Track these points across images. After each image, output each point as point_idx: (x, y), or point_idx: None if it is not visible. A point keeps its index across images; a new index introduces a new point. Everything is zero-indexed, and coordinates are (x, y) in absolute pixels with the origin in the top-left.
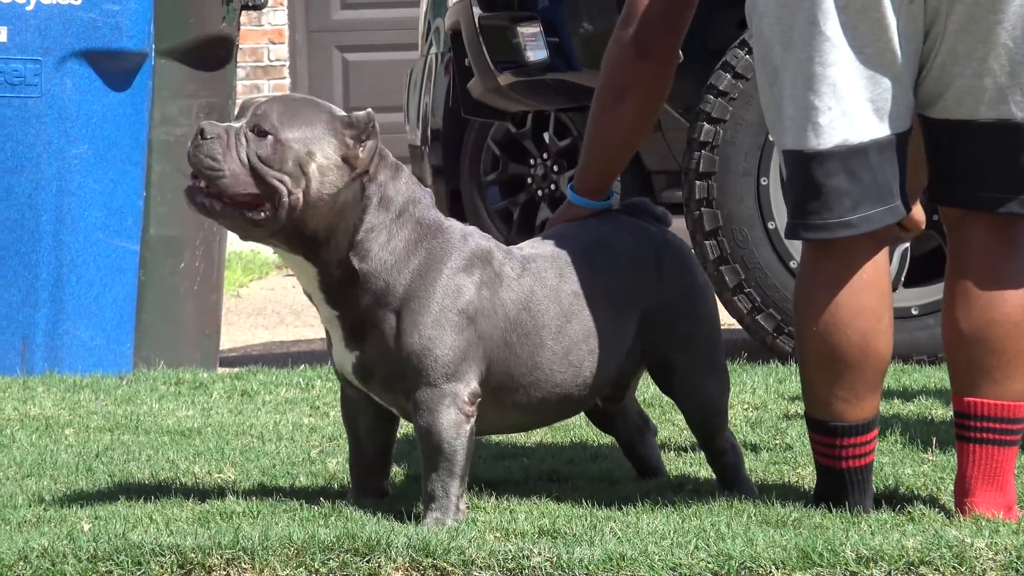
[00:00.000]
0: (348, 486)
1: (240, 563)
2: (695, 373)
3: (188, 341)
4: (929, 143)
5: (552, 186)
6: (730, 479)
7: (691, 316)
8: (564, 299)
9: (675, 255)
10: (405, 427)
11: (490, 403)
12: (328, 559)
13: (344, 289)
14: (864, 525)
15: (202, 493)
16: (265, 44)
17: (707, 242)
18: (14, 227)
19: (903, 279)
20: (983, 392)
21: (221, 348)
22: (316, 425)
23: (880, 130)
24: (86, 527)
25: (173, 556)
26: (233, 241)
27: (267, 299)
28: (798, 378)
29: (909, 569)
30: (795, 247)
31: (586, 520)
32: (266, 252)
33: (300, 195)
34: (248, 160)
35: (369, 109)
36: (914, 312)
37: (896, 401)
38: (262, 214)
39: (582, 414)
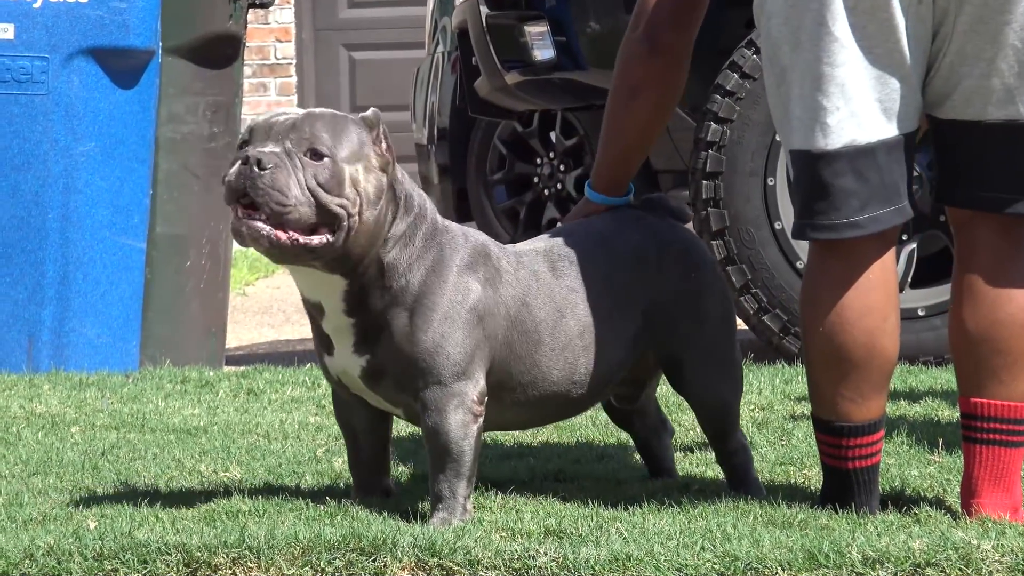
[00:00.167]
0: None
1: (246, 562)
2: (704, 372)
3: (194, 339)
4: (937, 143)
5: (559, 185)
6: (739, 479)
7: (697, 314)
8: (558, 294)
9: (681, 252)
10: (406, 427)
11: (488, 401)
12: (334, 558)
13: (366, 295)
14: (870, 526)
15: (208, 492)
16: (272, 42)
17: (714, 242)
18: (20, 225)
19: (909, 280)
20: (990, 393)
21: (227, 346)
22: (322, 424)
23: (888, 130)
24: (92, 525)
25: (179, 555)
26: None
27: (273, 297)
28: (804, 379)
29: (915, 571)
30: (802, 247)
31: (592, 520)
32: None
33: (358, 216)
34: (309, 187)
35: (373, 108)
36: (920, 313)
37: (902, 402)
38: (321, 240)
39: (594, 412)
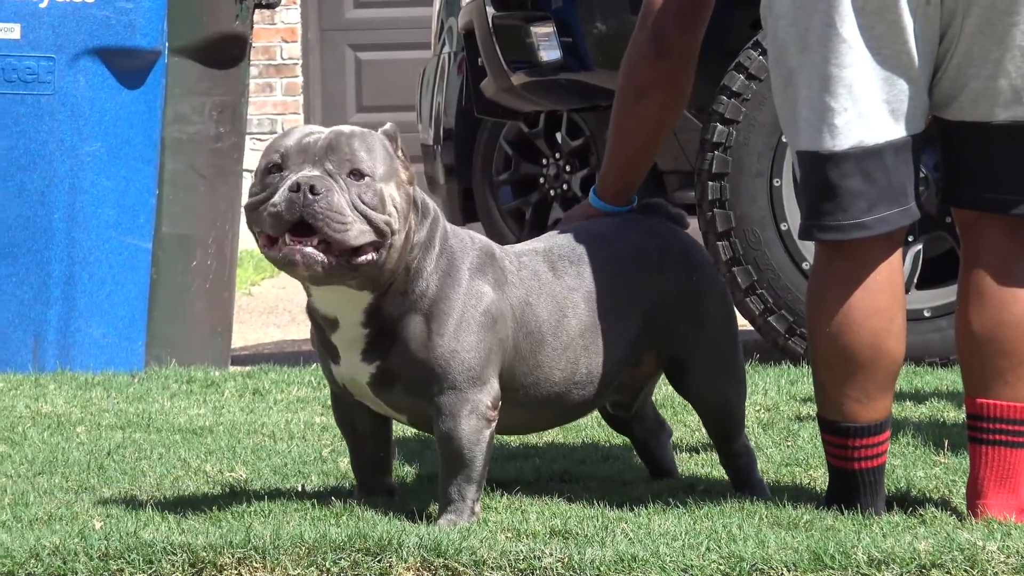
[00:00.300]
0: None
1: (251, 562)
2: (708, 375)
3: (200, 339)
4: (943, 145)
5: (564, 186)
6: (743, 481)
7: (698, 316)
8: (559, 294)
9: (681, 255)
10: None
11: None
12: (339, 558)
13: (386, 305)
14: (876, 527)
15: (213, 492)
16: (278, 42)
17: (719, 243)
18: (26, 224)
19: (915, 281)
20: (996, 394)
21: (233, 346)
22: (328, 424)
23: (895, 131)
24: (97, 525)
25: (184, 555)
26: (245, 239)
27: (279, 297)
28: (810, 379)
29: (921, 572)
30: (807, 248)
31: (598, 521)
32: None
33: (400, 233)
34: (357, 207)
35: (391, 123)
36: (926, 314)
37: (908, 403)
38: (367, 259)
39: (600, 413)
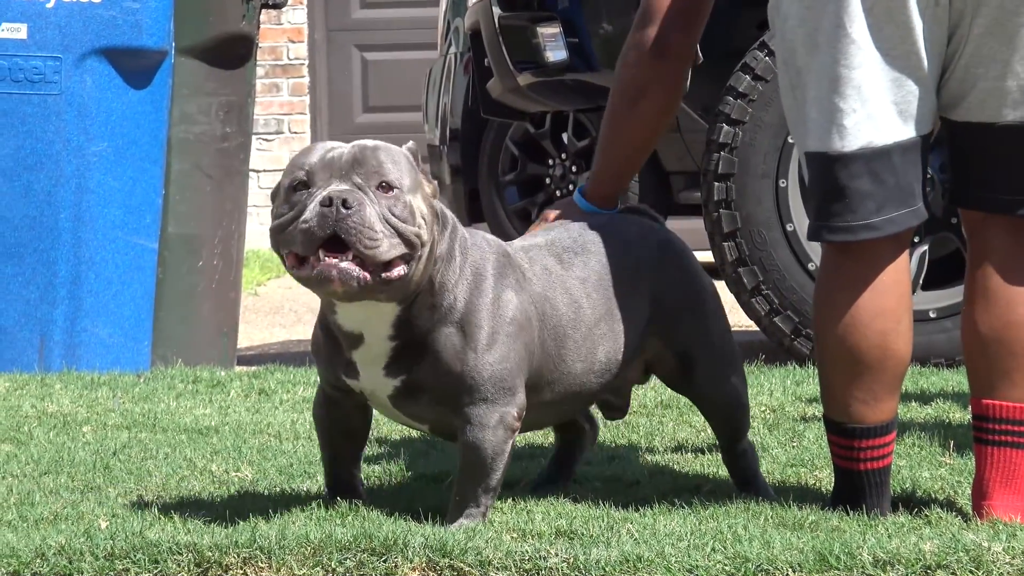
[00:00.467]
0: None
1: (257, 562)
2: (714, 371)
3: (206, 339)
4: (950, 145)
5: (571, 186)
6: (746, 480)
7: (701, 310)
8: (572, 286)
9: (678, 251)
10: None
11: None
12: (345, 558)
13: (414, 318)
14: (881, 528)
15: (219, 492)
16: (284, 43)
17: (725, 244)
18: (33, 224)
19: (921, 282)
20: (1002, 394)
21: (239, 346)
22: None
23: (904, 132)
24: (103, 525)
25: (190, 554)
26: (251, 239)
27: (285, 297)
28: (816, 380)
29: (926, 572)
30: (813, 249)
31: (603, 521)
32: None
33: (428, 245)
34: (388, 220)
35: (412, 140)
36: (932, 315)
37: (914, 404)
38: (399, 272)
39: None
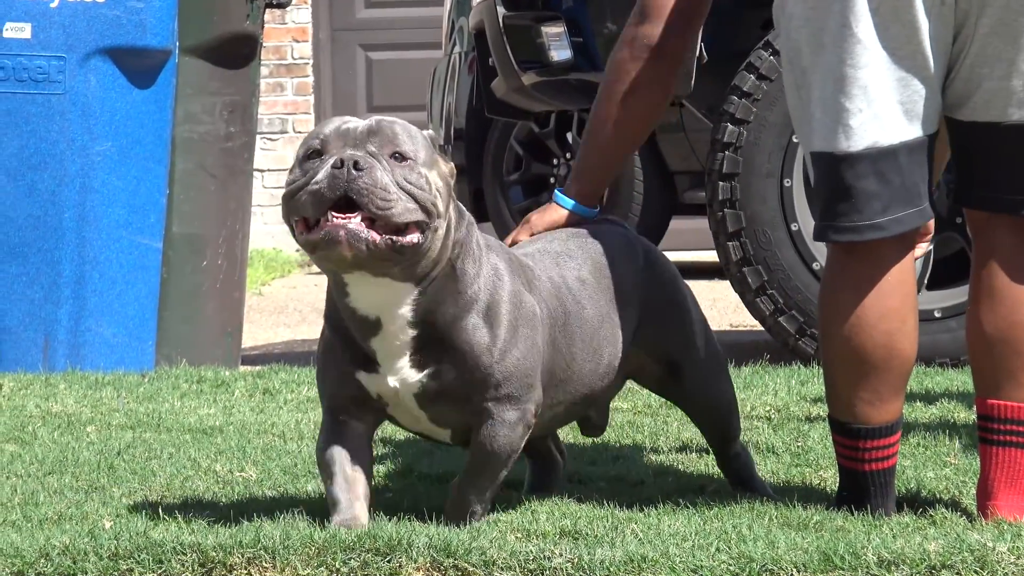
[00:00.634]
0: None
1: (261, 562)
2: (704, 377)
3: (210, 339)
4: (955, 146)
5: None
6: (743, 482)
7: (685, 318)
8: (573, 286)
9: (660, 261)
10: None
11: None
12: (349, 559)
13: (437, 303)
14: (886, 528)
15: (223, 492)
16: (289, 42)
17: (730, 243)
18: (37, 224)
19: (926, 281)
20: (1007, 394)
21: (243, 346)
22: None
23: (910, 132)
24: (107, 525)
25: (194, 555)
26: (255, 239)
27: (289, 297)
28: (820, 380)
29: (931, 573)
30: (818, 248)
31: (607, 521)
32: (288, 250)
33: (444, 218)
34: (401, 185)
35: (430, 130)
36: (937, 315)
37: (918, 404)
38: (412, 240)
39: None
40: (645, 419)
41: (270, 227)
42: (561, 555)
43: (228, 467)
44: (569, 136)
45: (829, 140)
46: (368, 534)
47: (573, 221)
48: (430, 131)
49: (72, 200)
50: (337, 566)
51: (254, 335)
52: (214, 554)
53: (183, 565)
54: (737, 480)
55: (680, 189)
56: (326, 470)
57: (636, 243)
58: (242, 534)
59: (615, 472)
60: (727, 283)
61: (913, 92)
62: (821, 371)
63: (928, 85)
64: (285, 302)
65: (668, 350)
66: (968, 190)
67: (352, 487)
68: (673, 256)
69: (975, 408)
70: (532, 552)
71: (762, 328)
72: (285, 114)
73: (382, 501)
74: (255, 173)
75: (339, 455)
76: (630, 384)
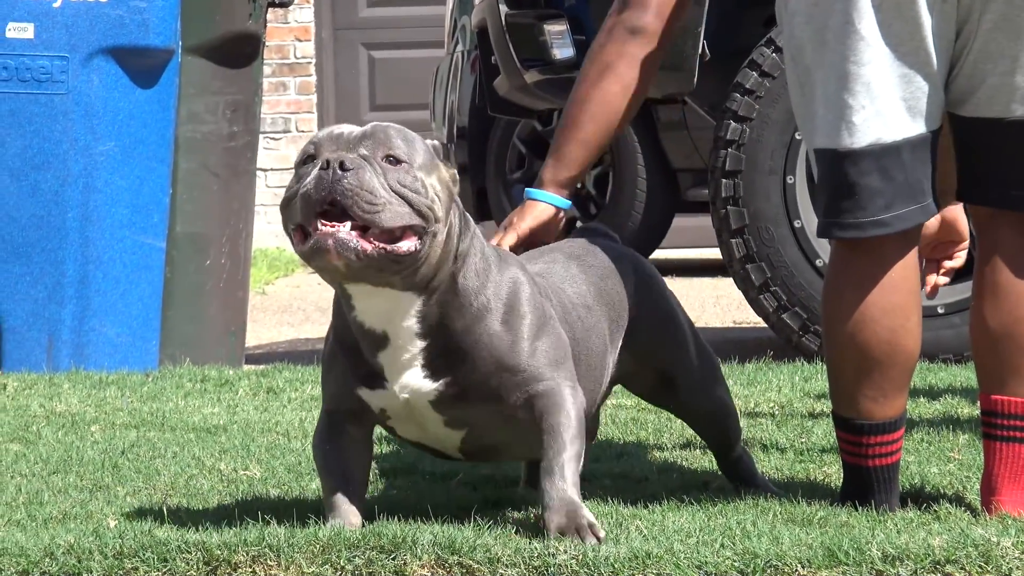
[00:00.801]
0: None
1: (266, 560)
2: (698, 382)
3: (214, 338)
4: (958, 142)
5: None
6: (747, 478)
7: (675, 325)
8: (569, 286)
9: (648, 271)
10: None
11: None
12: (354, 556)
13: (444, 315)
14: (890, 524)
15: (228, 490)
16: (291, 41)
17: (733, 240)
18: (40, 224)
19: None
20: (1011, 390)
21: (247, 345)
22: None
23: (913, 129)
24: (112, 524)
25: (199, 553)
26: (258, 238)
27: (293, 296)
28: (824, 376)
29: (935, 568)
30: (821, 245)
31: (612, 518)
32: (291, 250)
33: (444, 223)
34: (394, 188)
35: (435, 141)
36: (940, 311)
37: (922, 400)
38: (409, 247)
39: (613, 411)
40: (649, 416)
41: (273, 226)
42: (565, 552)
43: (232, 466)
44: None
45: (832, 137)
46: (373, 532)
47: (551, 214)
48: (434, 141)
49: (75, 200)
50: (342, 564)
51: (258, 334)
52: (219, 552)
53: (188, 564)
54: (739, 481)
55: (683, 186)
56: (322, 470)
57: (626, 257)
58: (247, 532)
59: (619, 469)
60: (730, 280)
61: (916, 88)
62: (824, 367)
63: (931, 81)
64: (289, 301)
65: (659, 359)
66: (971, 186)
67: (347, 486)
68: (676, 253)
69: (979, 404)
70: (537, 549)
71: (765, 325)
72: (288, 113)
73: (387, 499)
74: (258, 172)
75: (334, 455)
76: None
